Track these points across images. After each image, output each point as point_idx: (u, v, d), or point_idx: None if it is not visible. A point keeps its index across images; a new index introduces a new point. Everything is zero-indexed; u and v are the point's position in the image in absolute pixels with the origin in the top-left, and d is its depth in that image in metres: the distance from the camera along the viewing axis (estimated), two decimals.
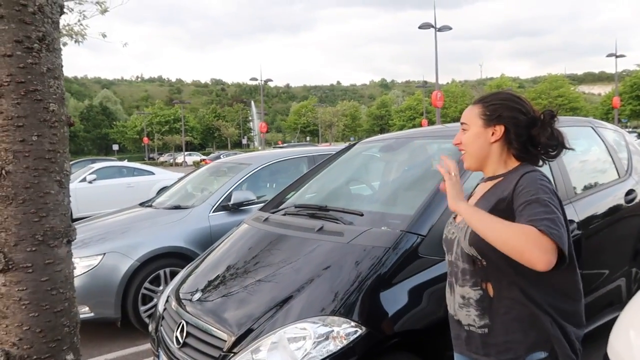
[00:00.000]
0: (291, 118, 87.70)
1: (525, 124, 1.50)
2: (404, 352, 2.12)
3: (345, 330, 1.99)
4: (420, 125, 48.23)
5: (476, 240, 1.44)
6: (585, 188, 3.18)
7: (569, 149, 1.54)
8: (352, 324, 2.00)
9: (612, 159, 3.51)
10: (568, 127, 3.53)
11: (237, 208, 4.49)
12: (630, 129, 37.53)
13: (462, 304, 1.55)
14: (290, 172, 5.03)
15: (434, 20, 22.13)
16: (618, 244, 3.26)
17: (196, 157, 50.58)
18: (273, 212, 3.13)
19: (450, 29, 22.37)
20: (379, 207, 2.90)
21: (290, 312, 2.10)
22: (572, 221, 2.83)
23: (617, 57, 32.05)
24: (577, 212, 2.92)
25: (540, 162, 1.56)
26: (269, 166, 4.99)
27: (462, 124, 1.59)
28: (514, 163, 1.53)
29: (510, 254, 1.29)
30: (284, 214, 3.04)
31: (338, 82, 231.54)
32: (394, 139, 3.55)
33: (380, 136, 3.89)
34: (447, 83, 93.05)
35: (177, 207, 4.69)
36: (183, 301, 2.59)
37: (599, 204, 3.14)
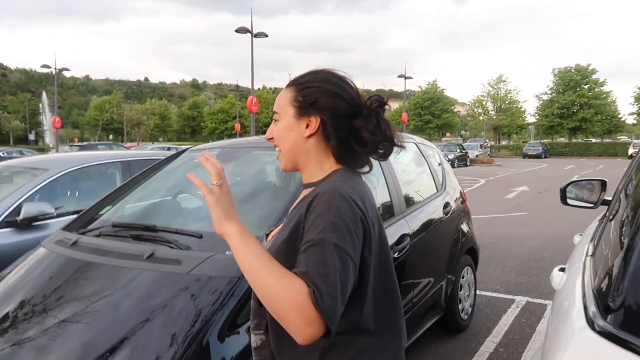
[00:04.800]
0: (91, 113, 79.53)
1: (347, 114, 1.15)
2: None
3: None
4: (234, 129, 48.24)
5: None
6: (414, 202, 3.33)
7: (399, 146, 1.21)
8: None
9: (432, 174, 3.78)
10: None
11: (28, 224, 3.63)
12: None
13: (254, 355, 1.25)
14: (100, 181, 4.31)
15: (250, 26, 22.28)
16: (440, 252, 3.51)
17: None
18: (83, 233, 2.55)
19: (266, 36, 22.75)
20: None
21: None
22: (406, 235, 2.92)
23: (405, 78, 36.76)
24: (409, 226, 3.02)
25: (367, 168, 1.23)
26: (73, 172, 4.17)
27: (274, 113, 1.24)
28: (331, 166, 1.19)
29: (270, 311, 0.99)
30: (99, 235, 2.49)
31: (146, 79, 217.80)
32: (230, 148, 3.24)
33: (212, 144, 3.54)
34: (259, 89, 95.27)
35: None
36: None
37: (425, 217, 3.32)
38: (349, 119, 1.16)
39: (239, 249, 1.02)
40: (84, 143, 30.26)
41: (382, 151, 1.20)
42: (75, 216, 2.92)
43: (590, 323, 1.08)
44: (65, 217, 3.69)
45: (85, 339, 1.82)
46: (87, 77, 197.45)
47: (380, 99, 1.19)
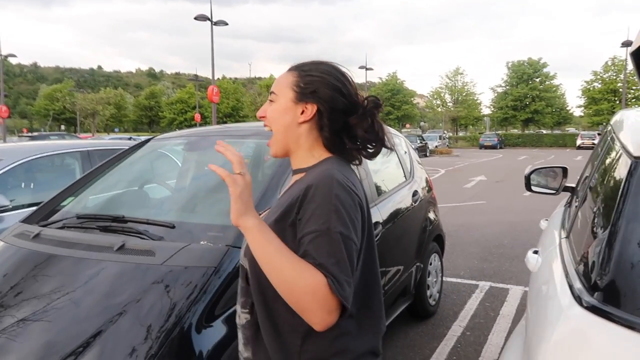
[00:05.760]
0: (41, 102, 76.07)
1: (343, 109, 1.19)
2: None
3: None
4: (194, 120, 47.32)
5: (251, 251, 1.10)
6: (385, 190, 3.35)
7: (389, 148, 1.25)
8: None
9: (400, 163, 3.82)
10: None
11: None
12: None
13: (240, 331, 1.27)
14: (59, 172, 4.13)
15: (210, 14, 21.82)
16: (409, 240, 3.55)
17: None
18: (45, 225, 2.43)
19: (227, 24, 22.37)
20: (191, 216, 2.49)
21: None
22: (378, 223, 2.93)
23: (366, 69, 37.00)
24: (381, 214, 3.04)
25: (357, 162, 1.26)
26: (29, 162, 3.98)
27: (271, 93, 1.25)
28: (321, 154, 1.21)
29: (289, 302, 1.02)
30: (62, 227, 2.38)
31: (99, 67, 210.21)
32: (197, 137, 3.16)
33: (178, 132, 3.44)
34: (219, 79, 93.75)
35: None
36: None
37: (395, 206, 3.35)
38: (344, 114, 1.20)
39: (259, 243, 1.04)
40: (35, 134, 28.89)
41: (371, 150, 1.23)
42: (33, 209, 2.78)
43: (578, 299, 1.14)
44: (21, 210, 3.53)
45: (51, 336, 1.74)
46: (35, 64, 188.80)
47: (376, 101, 1.24)
